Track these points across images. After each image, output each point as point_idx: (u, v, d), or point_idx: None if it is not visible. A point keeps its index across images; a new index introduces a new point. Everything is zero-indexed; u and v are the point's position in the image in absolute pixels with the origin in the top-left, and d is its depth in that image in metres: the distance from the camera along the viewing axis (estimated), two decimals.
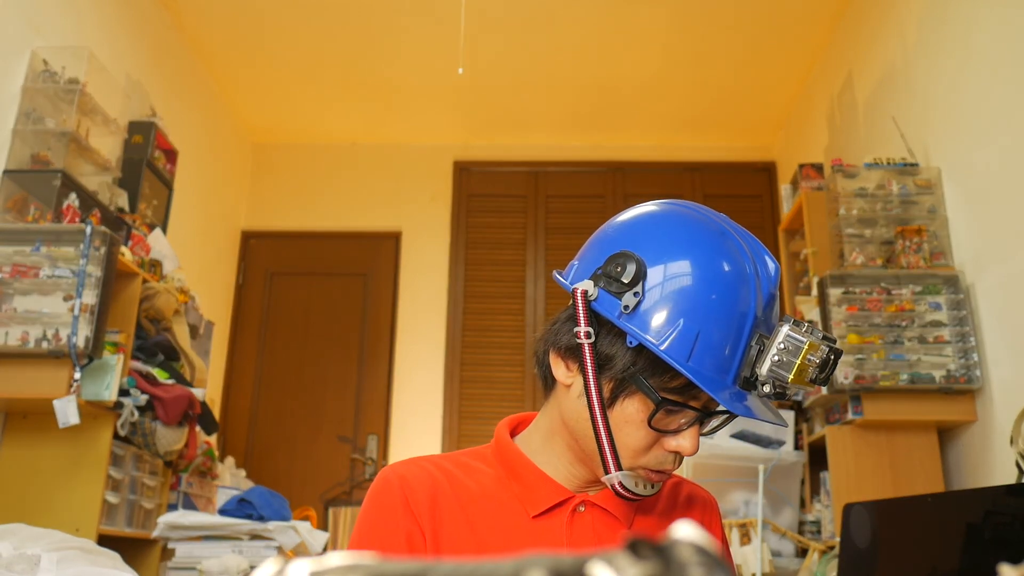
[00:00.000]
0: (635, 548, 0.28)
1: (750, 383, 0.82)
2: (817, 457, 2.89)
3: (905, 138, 3.08)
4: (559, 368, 0.90)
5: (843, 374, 2.68)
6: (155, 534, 2.56)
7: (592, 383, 0.85)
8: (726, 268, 0.84)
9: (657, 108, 4.68)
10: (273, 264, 4.92)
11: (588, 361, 0.85)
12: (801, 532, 2.82)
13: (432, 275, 4.82)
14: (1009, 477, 2.20)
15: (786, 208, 3.73)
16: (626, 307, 0.83)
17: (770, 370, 0.81)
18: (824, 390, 2.76)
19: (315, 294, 4.84)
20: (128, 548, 2.62)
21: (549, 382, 0.94)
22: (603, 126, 4.89)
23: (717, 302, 0.82)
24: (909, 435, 2.71)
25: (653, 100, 4.60)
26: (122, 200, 3.25)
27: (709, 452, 2.73)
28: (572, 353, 0.88)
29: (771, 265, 0.87)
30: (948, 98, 2.88)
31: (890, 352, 2.70)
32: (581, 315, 0.85)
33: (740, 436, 2.78)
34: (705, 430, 0.90)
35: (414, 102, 4.69)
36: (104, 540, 2.56)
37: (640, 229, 0.89)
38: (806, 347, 0.80)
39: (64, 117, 2.92)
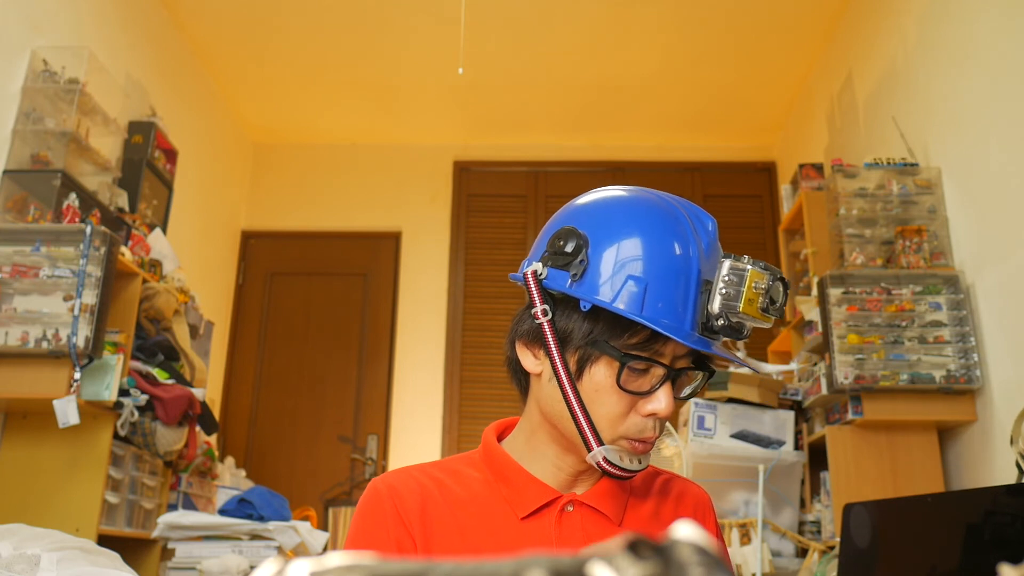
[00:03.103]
0: (635, 548, 0.28)
1: (708, 327, 0.85)
2: (817, 457, 2.89)
3: (905, 138, 3.08)
4: (527, 358, 0.92)
5: (843, 374, 2.68)
6: (155, 534, 2.56)
7: (557, 358, 0.87)
8: (663, 226, 0.87)
9: (657, 108, 4.68)
10: (273, 264, 4.92)
11: (550, 338, 0.87)
12: (801, 532, 2.82)
13: (432, 275, 4.82)
14: (1009, 477, 2.20)
15: (786, 208, 3.73)
16: (574, 275, 0.86)
17: (721, 304, 0.84)
18: (826, 389, 2.77)
19: (315, 294, 4.84)
20: (128, 548, 2.62)
21: (523, 382, 0.96)
22: (603, 126, 4.89)
23: (658, 258, 0.85)
24: (909, 435, 2.71)
25: (653, 100, 4.60)
26: (122, 200, 3.25)
27: (708, 452, 2.73)
28: (535, 338, 0.90)
29: (707, 220, 0.90)
30: (948, 98, 2.88)
31: (890, 352, 2.70)
32: (535, 295, 0.88)
33: (740, 436, 2.78)
34: (683, 394, 0.91)
35: (414, 102, 4.69)
36: (104, 540, 2.56)
37: (576, 208, 0.93)
38: (749, 274, 0.84)
39: (64, 117, 2.92)
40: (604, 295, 0.85)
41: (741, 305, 0.83)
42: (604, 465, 0.87)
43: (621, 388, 0.85)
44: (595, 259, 0.86)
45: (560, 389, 0.87)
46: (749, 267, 0.84)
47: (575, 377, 0.87)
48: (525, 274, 0.89)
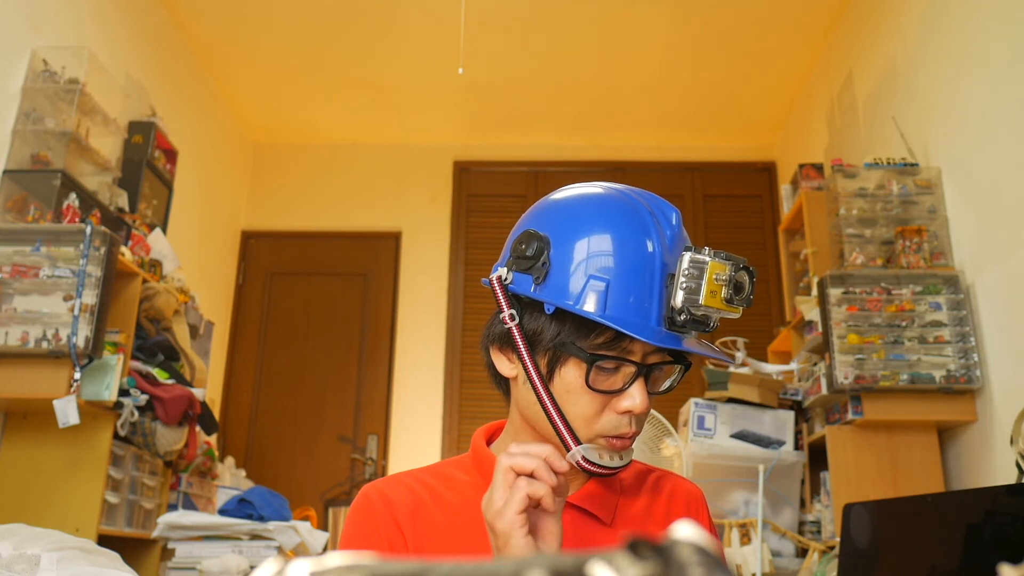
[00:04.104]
0: (635, 548, 0.28)
1: (674, 322, 0.84)
2: (817, 457, 2.89)
3: (905, 138, 3.08)
4: (502, 363, 0.92)
5: (843, 374, 2.68)
6: (155, 534, 2.56)
7: (528, 361, 0.87)
8: (624, 221, 0.86)
9: (657, 108, 4.68)
10: (273, 264, 4.92)
11: (519, 342, 0.87)
12: (801, 532, 2.82)
13: (432, 275, 4.82)
14: (1009, 477, 2.20)
15: (786, 208, 3.73)
16: (537, 278, 0.86)
17: (684, 299, 0.83)
18: (826, 389, 2.77)
19: (315, 294, 4.84)
20: (128, 548, 2.62)
21: (504, 385, 0.96)
22: (603, 126, 4.89)
23: (620, 254, 0.84)
24: (909, 435, 2.71)
25: (653, 100, 4.60)
26: (122, 200, 3.25)
27: (708, 452, 2.73)
28: (507, 342, 0.91)
29: (671, 212, 0.88)
30: (948, 98, 2.88)
31: (890, 352, 2.70)
32: (501, 300, 0.89)
33: (740, 436, 2.78)
34: (662, 388, 0.90)
35: (414, 102, 4.69)
36: (104, 540, 2.56)
37: (537, 210, 0.93)
38: (709, 266, 0.82)
39: (64, 117, 2.92)
40: (567, 297, 0.84)
41: (702, 298, 0.82)
42: (584, 464, 0.87)
43: (591, 388, 0.85)
44: (557, 261, 0.86)
45: (534, 391, 0.88)
46: (709, 259, 0.83)
47: (547, 379, 0.87)
48: (491, 280, 0.90)
